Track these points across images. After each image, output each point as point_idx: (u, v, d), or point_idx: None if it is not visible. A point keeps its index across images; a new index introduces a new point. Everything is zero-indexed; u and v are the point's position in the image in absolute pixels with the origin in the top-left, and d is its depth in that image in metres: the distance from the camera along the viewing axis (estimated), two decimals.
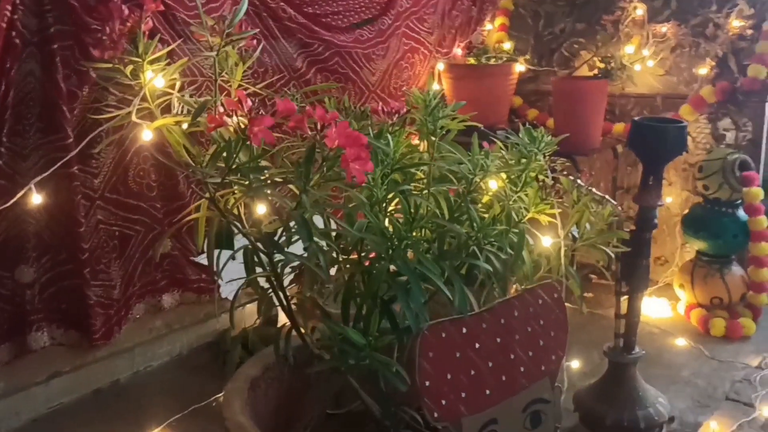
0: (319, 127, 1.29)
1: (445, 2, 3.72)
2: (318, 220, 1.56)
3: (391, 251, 1.43)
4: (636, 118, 2.39)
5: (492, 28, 4.04)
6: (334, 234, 1.62)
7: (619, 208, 1.92)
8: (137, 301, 2.80)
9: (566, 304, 1.71)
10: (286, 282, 1.66)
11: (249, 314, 3.02)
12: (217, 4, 2.64)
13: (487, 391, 1.50)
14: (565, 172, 1.77)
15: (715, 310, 3.28)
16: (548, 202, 1.64)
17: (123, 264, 2.69)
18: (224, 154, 1.33)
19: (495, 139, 1.73)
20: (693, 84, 3.46)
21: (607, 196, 1.91)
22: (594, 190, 1.88)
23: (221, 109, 1.34)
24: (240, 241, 1.59)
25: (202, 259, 2.93)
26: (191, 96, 1.53)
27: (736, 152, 3.27)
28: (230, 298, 2.92)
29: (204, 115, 1.39)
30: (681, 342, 3.14)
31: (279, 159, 1.54)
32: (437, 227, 1.56)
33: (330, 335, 1.56)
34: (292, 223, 1.46)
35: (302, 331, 1.64)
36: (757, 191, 3.19)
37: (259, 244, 1.50)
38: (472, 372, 1.48)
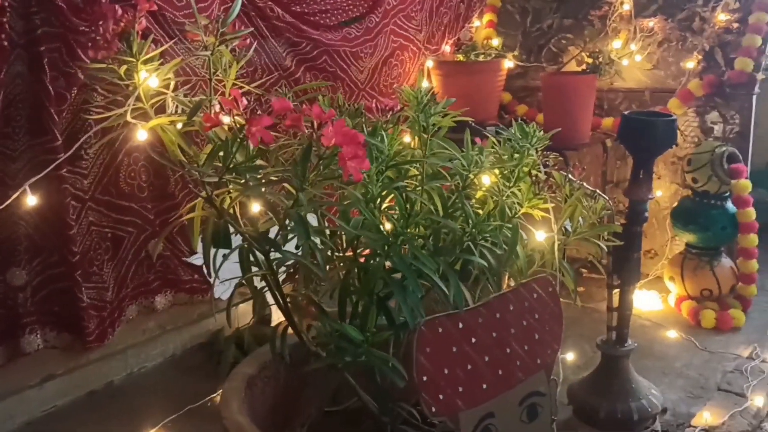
0: (315, 125, 1.29)
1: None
2: (312, 219, 1.56)
3: (387, 247, 1.43)
4: (626, 112, 2.40)
5: (480, 25, 4.05)
6: (328, 232, 1.63)
7: (610, 202, 1.93)
8: (130, 302, 2.79)
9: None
10: (280, 280, 1.66)
11: (242, 314, 3.02)
12: (205, 4, 2.64)
13: (484, 385, 1.51)
14: (556, 167, 1.78)
15: (706, 302, 3.31)
16: (541, 196, 1.65)
17: (116, 266, 2.69)
18: (221, 154, 1.33)
19: (487, 135, 1.74)
20: (681, 78, 3.49)
21: (598, 191, 1.92)
22: (585, 184, 1.89)
23: (216, 109, 1.34)
24: (234, 240, 1.59)
25: (195, 260, 2.93)
26: (185, 96, 1.53)
27: (724, 145, 3.30)
28: (223, 298, 2.94)
29: (199, 115, 1.39)
30: (672, 334, 3.16)
31: (273, 157, 1.54)
32: (432, 223, 1.57)
33: (327, 332, 1.56)
34: (287, 222, 1.46)
35: (299, 328, 1.64)
36: (745, 183, 3.22)
37: (255, 243, 1.49)
38: (469, 366, 1.49)
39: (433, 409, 1.44)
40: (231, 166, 1.33)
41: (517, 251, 1.60)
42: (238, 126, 1.31)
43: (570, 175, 1.83)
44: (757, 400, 2.60)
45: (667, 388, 2.70)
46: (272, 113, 1.29)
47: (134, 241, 2.74)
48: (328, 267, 1.57)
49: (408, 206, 1.53)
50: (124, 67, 1.45)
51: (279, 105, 1.29)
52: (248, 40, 1.58)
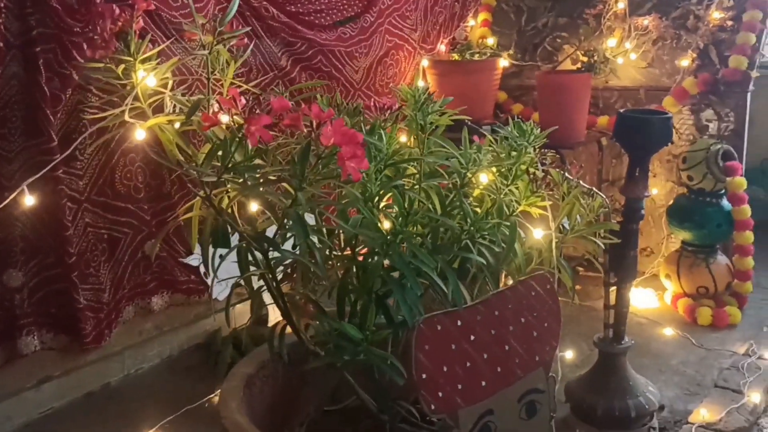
0: (314, 125, 1.29)
1: None
2: (309, 218, 1.56)
3: (386, 246, 1.43)
4: (621, 110, 2.41)
5: (475, 24, 4.06)
6: (326, 231, 1.63)
7: (606, 200, 1.93)
8: (127, 303, 2.79)
9: None
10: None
11: (239, 315, 3.02)
12: (201, 4, 2.64)
13: (483, 383, 1.52)
14: (554, 165, 1.78)
15: (702, 300, 3.32)
16: (539, 194, 1.65)
17: (112, 267, 2.68)
18: (219, 153, 1.33)
19: (485, 133, 1.74)
20: (675, 76, 3.50)
21: (594, 189, 1.93)
22: (582, 182, 1.89)
23: (215, 108, 1.34)
24: (231, 239, 1.59)
25: (191, 261, 2.93)
26: (183, 95, 1.52)
27: (719, 143, 3.31)
28: (220, 298, 2.93)
29: (197, 114, 1.39)
30: (669, 331, 3.17)
31: (270, 157, 1.54)
32: (430, 222, 1.57)
33: (325, 331, 1.56)
34: (285, 221, 1.46)
35: (297, 327, 1.64)
36: (741, 181, 3.23)
37: (254, 242, 1.49)
38: (468, 364, 1.49)
39: (433, 407, 1.44)
40: (230, 165, 1.33)
41: (515, 249, 1.61)
42: (236, 125, 1.31)
43: (567, 174, 1.83)
44: (753, 397, 2.61)
45: (664, 386, 2.71)
46: (271, 112, 1.29)
47: (131, 242, 2.73)
48: (326, 266, 1.57)
49: (407, 204, 1.53)
50: (122, 66, 1.45)
51: (278, 104, 1.29)
52: (245, 40, 1.58)
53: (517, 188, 1.65)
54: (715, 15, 3.41)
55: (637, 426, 2.40)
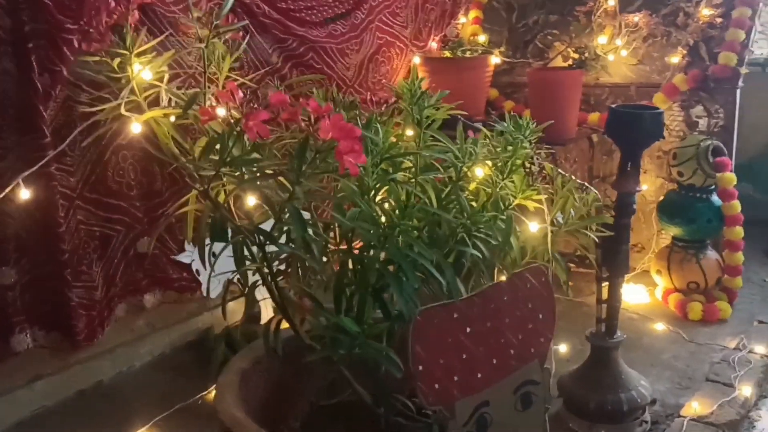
0: (312, 119, 1.29)
1: None
2: (304, 213, 1.56)
3: (383, 239, 1.44)
4: (613, 105, 2.42)
5: (466, 21, 4.07)
6: (322, 225, 1.63)
7: (599, 195, 1.95)
8: (119, 301, 2.78)
9: None
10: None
11: (231, 313, 3.01)
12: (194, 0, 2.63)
13: (479, 374, 1.52)
14: (549, 159, 1.80)
15: (692, 295, 3.34)
16: (535, 188, 1.66)
17: (104, 264, 2.67)
18: (217, 147, 1.33)
19: (480, 128, 1.75)
20: (665, 72, 3.52)
21: (587, 184, 1.94)
22: (574, 178, 1.91)
23: (213, 102, 1.34)
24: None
25: (183, 258, 2.92)
26: (178, 89, 1.52)
27: (709, 139, 3.33)
28: (212, 296, 2.93)
29: (195, 108, 1.39)
30: (660, 326, 3.19)
31: (267, 151, 1.54)
32: (426, 215, 1.57)
33: (322, 325, 1.56)
34: (283, 215, 1.46)
35: (293, 322, 1.65)
36: (730, 176, 3.25)
37: (251, 236, 1.49)
38: (464, 356, 1.50)
39: (430, 399, 1.45)
40: (228, 159, 1.33)
41: (511, 242, 1.61)
42: (234, 119, 1.31)
43: (559, 169, 1.84)
44: (744, 390, 2.63)
45: (656, 380, 2.72)
46: (269, 107, 1.29)
47: (123, 239, 2.72)
48: (322, 260, 1.57)
49: (405, 197, 1.53)
50: (117, 59, 1.45)
51: (276, 98, 1.29)
52: (240, 33, 1.58)
53: (512, 182, 1.66)
54: (705, 12, 3.44)
55: (629, 420, 2.41)
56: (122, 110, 1.43)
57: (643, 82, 3.60)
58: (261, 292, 1.70)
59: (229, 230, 1.54)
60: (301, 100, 1.30)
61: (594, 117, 3.61)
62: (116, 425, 2.49)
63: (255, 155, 1.38)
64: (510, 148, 1.65)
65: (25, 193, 1.49)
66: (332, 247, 1.64)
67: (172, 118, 1.45)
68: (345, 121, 1.32)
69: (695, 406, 2.53)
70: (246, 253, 1.59)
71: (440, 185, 1.64)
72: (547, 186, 1.72)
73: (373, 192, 1.56)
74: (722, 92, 3.43)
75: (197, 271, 2.92)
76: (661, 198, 3.49)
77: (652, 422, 2.47)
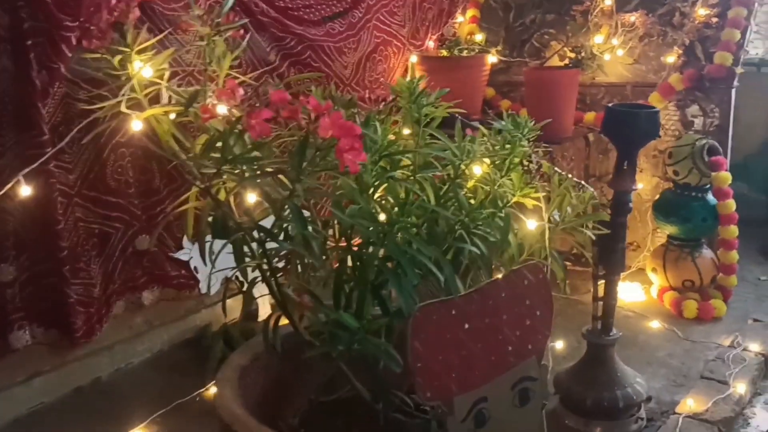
0: (312, 117, 1.30)
1: None
2: (304, 211, 1.57)
3: (382, 236, 1.45)
4: (610, 104, 2.44)
5: (463, 20, 4.08)
6: (321, 222, 1.64)
7: (595, 193, 1.96)
8: (117, 298, 2.78)
9: None
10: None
11: (228, 309, 3.01)
12: None
13: (477, 371, 1.53)
14: (547, 158, 1.81)
15: (687, 293, 3.36)
16: (533, 185, 1.67)
17: (103, 262, 2.68)
18: (219, 144, 1.33)
19: (478, 126, 1.76)
20: (661, 72, 3.54)
21: (583, 182, 1.95)
22: (570, 176, 1.92)
23: (214, 99, 1.34)
24: None
25: (181, 255, 2.92)
26: (177, 87, 1.53)
27: (704, 138, 3.35)
28: (210, 293, 2.94)
29: (195, 106, 1.39)
30: (655, 324, 3.21)
31: (266, 148, 1.55)
32: (425, 212, 1.59)
33: (321, 321, 1.57)
34: (283, 212, 1.47)
35: (293, 318, 1.65)
36: (725, 176, 3.27)
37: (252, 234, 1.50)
38: (463, 352, 1.51)
39: (428, 394, 1.46)
40: (229, 157, 1.34)
41: (509, 240, 1.62)
42: (235, 117, 1.32)
43: (556, 168, 1.86)
44: (739, 388, 2.65)
45: (651, 377, 2.74)
46: (270, 105, 1.29)
47: (121, 237, 2.73)
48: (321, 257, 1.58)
49: (403, 195, 1.54)
50: (118, 57, 1.45)
51: (277, 96, 1.30)
52: (241, 32, 1.59)
53: (510, 180, 1.67)
54: (701, 12, 3.45)
55: (625, 416, 2.43)
56: (123, 108, 1.44)
57: (639, 81, 3.62)
58: (258, 290, 1.71)
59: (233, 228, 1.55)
60: (301, 98, 1.31)
61: (590, 116, 3.63)
62: (114, 422, 2.50)
63: (255, 153, 1.39)
64: (508, 146, 1.66)
65: (25, 190, 1.49)
66: (331, 244, 1.65)
67: (172, 116, 1.45)
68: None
69: (690, 404, 2.55)
70: (246, 250, 1.60)
71: (439, 183, 1.65)
72: (544, 184, 1.73)
73: (372, 189, 1.57)
74: (718, 92, 3.45)
75: (195, 268, 2.93)
76: (657, 197, 3.50)
77: (648, 419, 2.49)
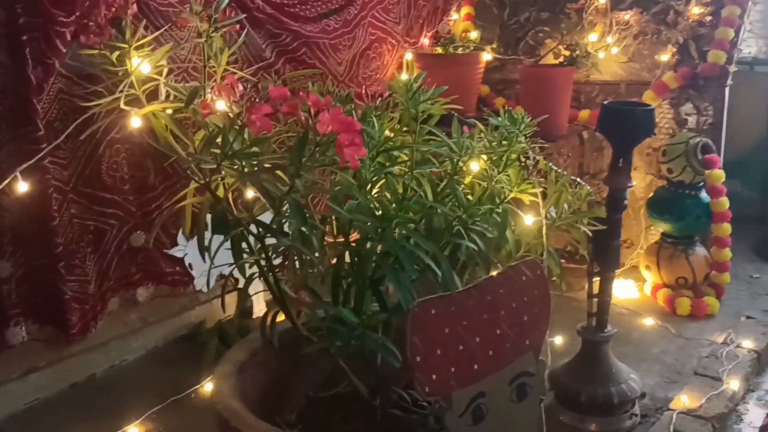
0: (311, 112, 1.30)
1: None
2: None
3: (381, 231, 1.45)
4: (605, 102, 2.45)
5: (458, 18, 4.08)
6: (319, 218, 1.64)
7: (591, 190, 1.97)
8: (112, 295, 2.78)
9: None
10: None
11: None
12: None
13: (476, 366, 1.54)
14: (543, 154, 1.82)
15: (681, 290, 3.37)
16: (530, 181, 1.68)
17: (98, 258, 2.67)
18: (218, 140, 1.33)
19: (476, 123, 1.77)
20: (655, 70, 3.55)
21: (578, 179, 1.96)
22: (566, 173, 1.93)
23: (213, 95, 1.34)
24: None
25: (176, 252, 2.92)
26: (176, 82, 1.53)
27: (698, 136, 3.36)
28: (204, 290, 2.94)
29: (196, 101, 1.39)
30: (649, 321, 3.22)
31: (266, 144, 1.55)
32: (423, 208, 1.59)
33: (320, 317, 1.58)
34: (282, 208, 1.48)
35: (291, 314, 1.66)
36: (719, 173, 3.29)
37: (250, 229, 1.50)
38: (461, 347, 1.51)
39: (427, 389, 1.47)
40: (229, 153, 1.34)
41: (506, 236, 1.63)
42: (234, 113, 1.32)
43: (552, 165, 1.86)
44: (732, 384, 2.67)
45: (645, 374, 2.75)
46: (270, 101, 1.29)
47: (116, 233, 2.72)
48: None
49: (401, 190, 1.55)
50: (116, 53, 1.45)
51: (276, 92, 1.30)
52: (237, 27, 1.59)
53: (507, 176, 1.68)
54: (695, 10, 3.47)
55: (619, 412, 2.44)
56: (121, 104, 1.44)
57: (633, 79, 3.63)
58: (252, 287, 1.71)
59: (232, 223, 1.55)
60: (301, 94, 1.31)
61: (584, 114, 3.64)
62: (109, 418, 2.50)
63: (255, 149, 1.39)
64: (505, 142, 1.67)
65: (22, 186, 1.49)
66: (329, 240, 1.66)
67: (170, 112, 1.45)
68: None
69: (684, 400, 2.56)
70: (243, 245, 1.60)
71: (436, 179, 1.66)
72: (541, 180, 1.74)
73: (369, 185, 1.57)
74: (711, 90, 3.46)
75: (190, 265, 2.93)
76: (651, 194, 3.52)
77: (642, 415, 2.51)
